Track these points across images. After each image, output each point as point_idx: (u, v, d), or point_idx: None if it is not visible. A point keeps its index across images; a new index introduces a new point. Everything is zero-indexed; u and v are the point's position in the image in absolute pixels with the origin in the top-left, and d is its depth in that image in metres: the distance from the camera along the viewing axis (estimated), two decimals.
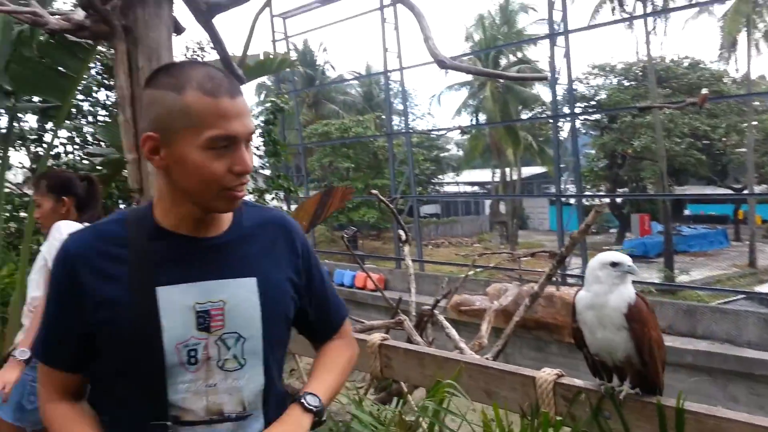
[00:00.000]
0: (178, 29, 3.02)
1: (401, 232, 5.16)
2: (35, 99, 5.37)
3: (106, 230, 1.32)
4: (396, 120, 30.16)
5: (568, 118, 18.19)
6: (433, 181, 37.76)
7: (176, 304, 1.25)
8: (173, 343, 1.24)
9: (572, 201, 21.05)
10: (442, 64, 2.41)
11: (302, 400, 1.34)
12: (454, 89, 31.70)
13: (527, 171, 35.32)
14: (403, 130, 22.49)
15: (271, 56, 4.46)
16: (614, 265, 1.58)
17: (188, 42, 12.58)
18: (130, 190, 2.95)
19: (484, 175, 38.64)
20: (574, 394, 1.68)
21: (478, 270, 21.12)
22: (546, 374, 1.73)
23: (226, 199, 1.25)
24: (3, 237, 4.93)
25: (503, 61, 29.49)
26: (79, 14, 2.76)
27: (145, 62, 2.73)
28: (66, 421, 1.31)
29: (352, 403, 1.46)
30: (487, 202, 36.37)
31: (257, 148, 8.11)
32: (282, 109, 7.70)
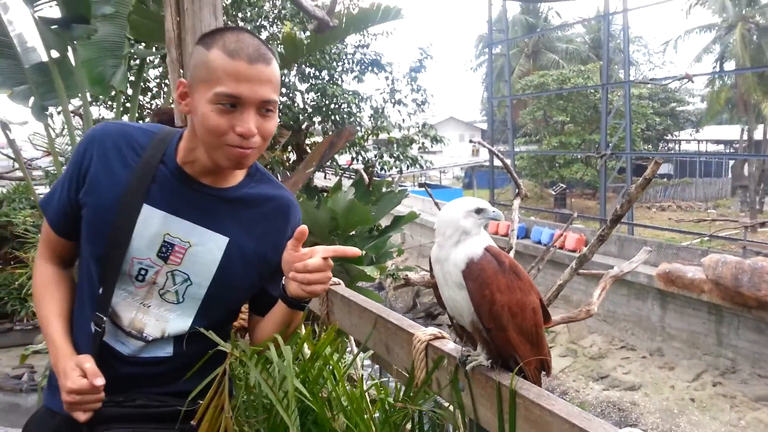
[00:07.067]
0: None
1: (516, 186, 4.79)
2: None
3: (132, 133, 1.43)
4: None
5: None
6: (666, 137, 33.96)
7: (152, 225, 1.37)
8: (131, 255, 1.37)
9: None
10: None
11: None
12: (694, 33, 27.63)
13: None
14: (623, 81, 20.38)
15: (376, 5, 4.35)
16: (479, 211, 1.32)
17: None
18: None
19: (731, 132, 33.57)
20: (436, 359, 1.44)
21: (705, 239, 18.70)
22: (421, 333, 1.51)
23: (227, 155, 1.31)
24: None
25: None
26: None
27: (189, 4, 2.88)
28: (45, 279, 1.50)
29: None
30: (731, 164, 31.63)
31: (404, 97, 8.07)
32: (429, 57, 7.52)
